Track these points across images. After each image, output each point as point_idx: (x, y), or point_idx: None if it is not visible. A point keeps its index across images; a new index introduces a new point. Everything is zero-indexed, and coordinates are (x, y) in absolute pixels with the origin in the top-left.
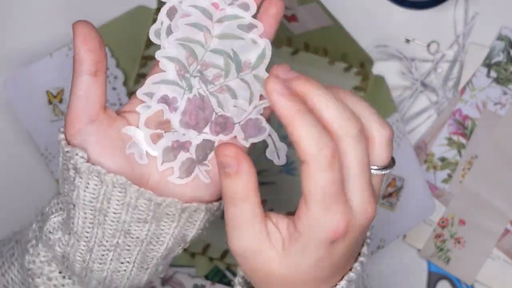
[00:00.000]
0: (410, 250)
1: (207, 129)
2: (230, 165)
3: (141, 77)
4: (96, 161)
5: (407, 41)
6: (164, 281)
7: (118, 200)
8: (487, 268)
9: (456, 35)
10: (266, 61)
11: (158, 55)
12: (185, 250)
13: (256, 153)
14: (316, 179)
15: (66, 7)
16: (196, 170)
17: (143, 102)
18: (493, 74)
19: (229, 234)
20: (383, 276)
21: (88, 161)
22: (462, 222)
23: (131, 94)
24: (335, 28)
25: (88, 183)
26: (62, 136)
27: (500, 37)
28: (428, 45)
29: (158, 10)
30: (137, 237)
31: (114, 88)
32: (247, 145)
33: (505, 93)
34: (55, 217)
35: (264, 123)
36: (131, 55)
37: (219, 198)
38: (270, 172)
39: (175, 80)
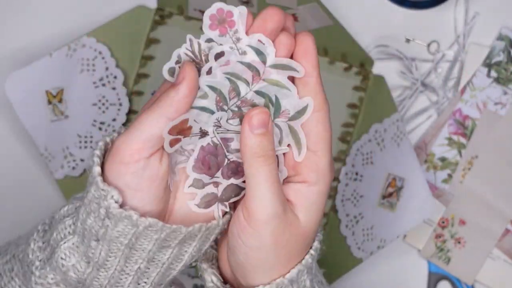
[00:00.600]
0: (410, 250)
1: (219, 173)
2: (265, 123)
3: (140, 77)
4: (132, 201)
5: (407, 41)
6: None
7: (146, 235)
8: (487, 268)
9: (456, 35)
10: (305, 117)
11: (202, 82)
12: None
13: None
14: (327, 122)
15: (66, 7)
16: (214, 206)
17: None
18: (494, 74)
19: (262, 197)
20: (383, 276)
21: (123, 201)
22: (462, 222)
23: (131, 94)
24: (335, 28)
25: (117, 224)
26: (98, 170)
27: (500, 37)
28: (428, 45)
29: (158, 10)
30: (159, 260)
31: (113, 88)
32: None
33: (505, 93)
34: (65, 243)
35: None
36: (130, 55)
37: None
38: None
39: (211, 109)
